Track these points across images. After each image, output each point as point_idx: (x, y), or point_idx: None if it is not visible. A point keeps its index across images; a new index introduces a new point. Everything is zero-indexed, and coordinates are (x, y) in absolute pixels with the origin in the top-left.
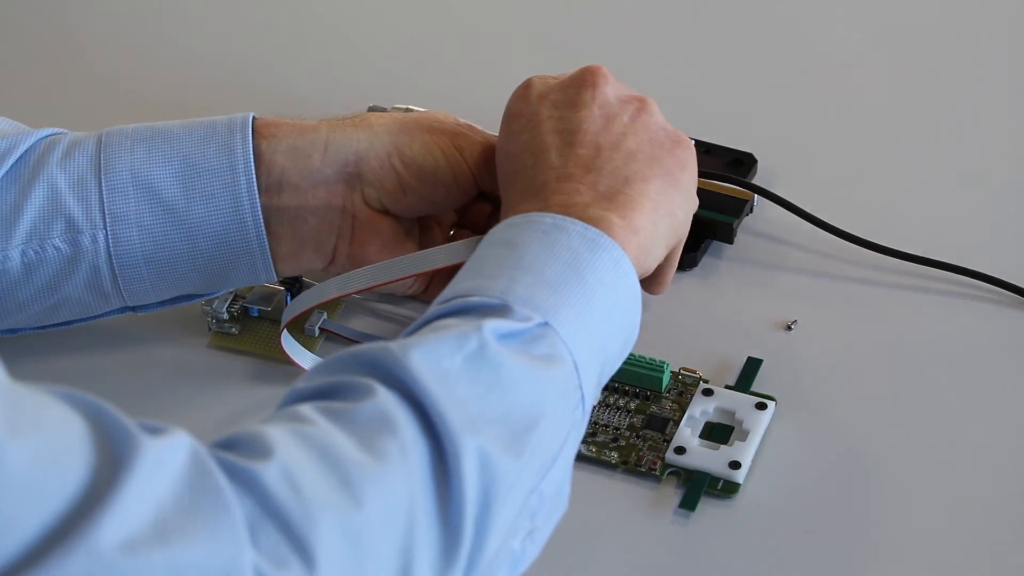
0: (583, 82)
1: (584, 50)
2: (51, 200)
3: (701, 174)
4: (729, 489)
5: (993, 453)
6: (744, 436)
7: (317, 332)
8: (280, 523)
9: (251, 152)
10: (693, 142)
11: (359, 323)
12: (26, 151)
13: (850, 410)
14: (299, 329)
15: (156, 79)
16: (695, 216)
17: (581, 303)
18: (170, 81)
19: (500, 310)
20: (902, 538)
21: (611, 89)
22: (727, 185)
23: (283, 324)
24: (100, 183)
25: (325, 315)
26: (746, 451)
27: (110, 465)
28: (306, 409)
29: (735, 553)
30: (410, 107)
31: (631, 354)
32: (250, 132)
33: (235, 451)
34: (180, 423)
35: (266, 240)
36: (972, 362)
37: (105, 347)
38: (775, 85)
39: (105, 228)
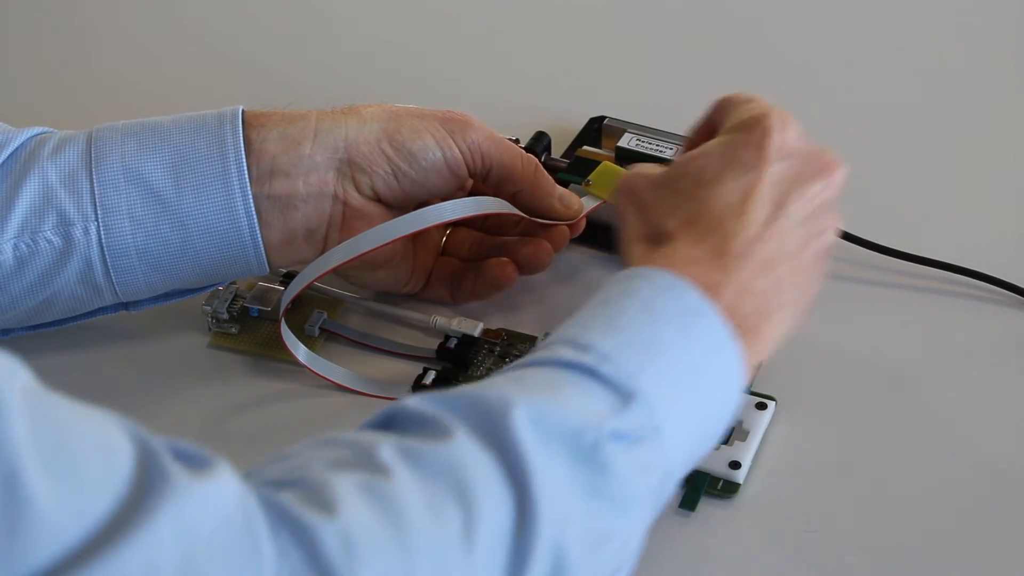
0: (818, 171)
1: (585, 51)
2: (42, 194)
3: None
4: (729, 489)
5: (993, 453)
6: (744, 436)
7: (317, 332)
8: None
9: (241, 141)
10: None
11: (359, 323)
12: (16, 148)
13: (850, 410)
14: (299, 329)
15: (148, 80)
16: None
17: (693, 409)
18: (161, 82)
19: (625, 398)
20: (902, 538)
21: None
22: None
23: (289, 300)
24: (91, 176)
25: (325, 315)
26: (746, 451)
27: (138, 503)
28: (386, 451)
29: (735, 553)
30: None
31: None
32: (240, 123)
33: (299, 492)
34: (180, 422)
35: (258, 229)
36: (972, 362)
37: (105, 346)
38: (775, 85)
39: (97, 220)
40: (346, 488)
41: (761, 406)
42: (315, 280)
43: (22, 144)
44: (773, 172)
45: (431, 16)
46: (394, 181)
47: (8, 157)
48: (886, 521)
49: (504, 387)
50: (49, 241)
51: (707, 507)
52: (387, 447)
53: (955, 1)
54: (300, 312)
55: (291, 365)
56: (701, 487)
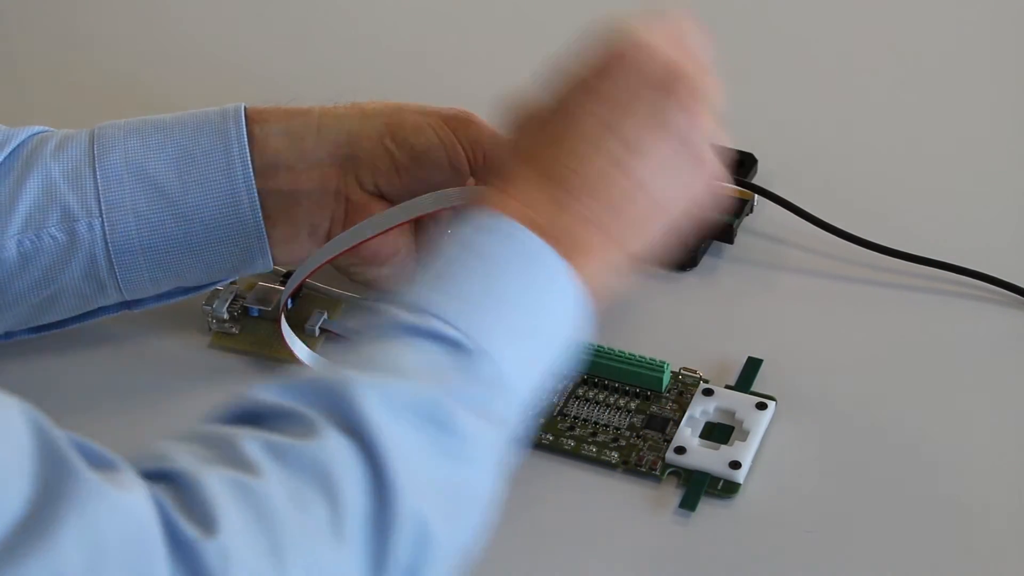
0: (666, 93)
1: None
2: (46, 190)
3: None
4: (729, 489)
5: (993, 453)
6: (744, 436)
7: (317, 332)
8: None
9: (245, 136)
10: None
11: (359, 323)
12: (17, 146)
13: (850, 410)
14: (299, 329)
15: (147, 81)
16: (696, 216)
17: (532, 344)
18: (161, 83)
19: (467, 354)
20: (902, 538)
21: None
22: (727, 185)
23: (290, 291)
24: (95, 172)
25: (325, 315)
26: (746, 451)
27: (44, 505)
28: (252, 448)
29: (735, 553)
30: None
31: (631, 354)
32: (243, 118)
33: (177, 495)
34: (180, 422)
35: (262, 223)
36: (972, 362)
37: (105, 346)
38: (775, 85)
39: (101, 216)
40: (220, 492)
41: (761, 406)
42: (317, 269)
43: (23, 142)
44: (627, 104)
45: (432, 16)
46: (396, 176)
47: (9, 155)
48: (886, 521)
49: (350, 366)
50: (53, 237)
51: (707, 507)
52: (253, 444)
53: (956, 1)
54: (300, 312)
55: (292, 365)
56: (701, 487)
